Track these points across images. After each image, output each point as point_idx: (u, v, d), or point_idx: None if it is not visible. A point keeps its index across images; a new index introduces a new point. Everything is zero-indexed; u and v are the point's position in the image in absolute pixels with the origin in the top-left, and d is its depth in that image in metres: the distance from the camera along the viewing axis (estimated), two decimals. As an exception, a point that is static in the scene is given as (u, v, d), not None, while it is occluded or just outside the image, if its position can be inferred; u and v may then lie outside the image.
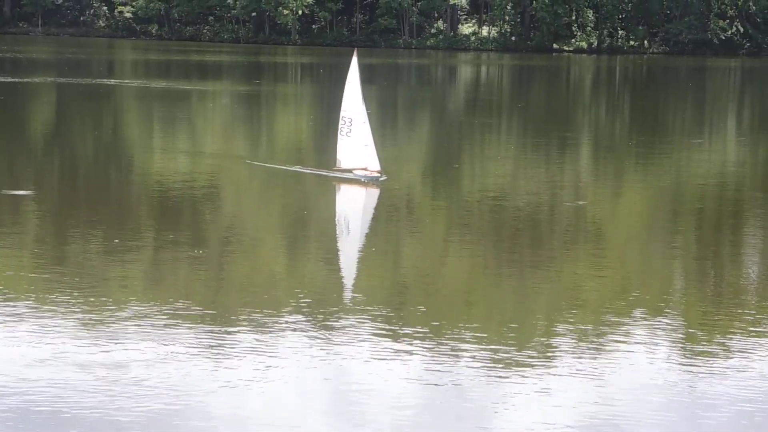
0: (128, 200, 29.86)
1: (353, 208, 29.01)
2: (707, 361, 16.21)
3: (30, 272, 20.51)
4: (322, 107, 62.35)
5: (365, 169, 30.83)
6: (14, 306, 17.95)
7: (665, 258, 23.85)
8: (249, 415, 13.84)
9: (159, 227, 25.52)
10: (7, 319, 17.25)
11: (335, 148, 31.61)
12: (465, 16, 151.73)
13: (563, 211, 29.38)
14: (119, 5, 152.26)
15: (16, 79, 70.04)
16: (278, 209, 28.58)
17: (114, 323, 17.12)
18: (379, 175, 30.75)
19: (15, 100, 58.36)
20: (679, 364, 16.08)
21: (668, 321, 18.23)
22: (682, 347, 16.90)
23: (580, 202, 30.71)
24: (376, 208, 28.60)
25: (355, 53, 32.07)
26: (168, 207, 28.26)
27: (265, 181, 32.79)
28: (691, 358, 16.32)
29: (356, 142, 30.93)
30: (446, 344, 16.58)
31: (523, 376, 15.30)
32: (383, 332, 17.17)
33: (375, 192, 29.98)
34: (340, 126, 31.51)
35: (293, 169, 33.12)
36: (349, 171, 30.98)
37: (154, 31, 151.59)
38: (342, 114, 31.47)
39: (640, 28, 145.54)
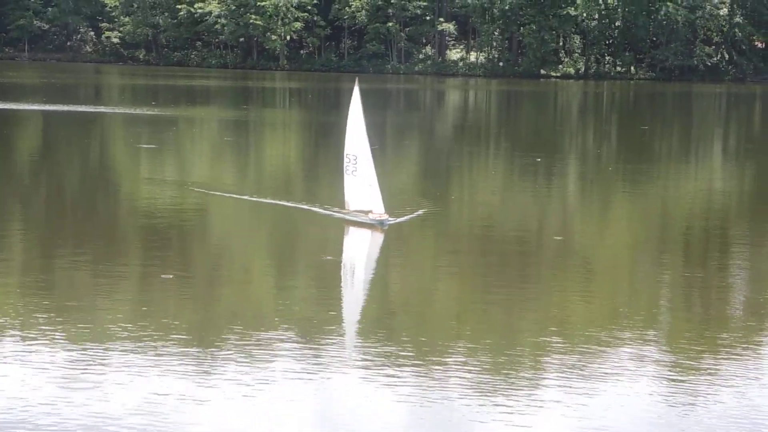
0: (114, 228, 29.77)
1: (342, 237, 28.63)
2: (694, 387, 16.20)
3: (15, 301, 20.40)
4: (311, 134, 62.42)
5: (370, 212, 28.36)
6: None
7: (652, 284, 23.87)
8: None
9: (145, 255, 25.44)
10: (-7, 346, 17.16)
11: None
12: (453, 42, 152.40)
13: (550, 239, 29.40)
14: (106, 30, 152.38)
15: (2, 105, 69.90)
16: (266, 240, 28.49)
17: (99, 348, 17.03)
18: (386, 217, 28.22)
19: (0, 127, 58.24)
20: (666, 390, 16.08)
21: (655, 347, 18.23)
22: (669, 373, 16.88)
23: (563, 234, 30.72)
24: (362, 235, 28.44)
25: (356, 82, 29.48)
26: (154, 235, 28.18)
27: (253, 212, 32.56)
28: (678, 385, 16.31)
29: (362, 182, 28.60)
30: (434, 368, 16.55)
31: (510, 401, 15.26)
32: (371, 355, 17.12)
33: (372, 228, 28.08)
34: (345, 164, 29.04)
35: (293, 205, 31.31)
36: (364, 213, 28.50)
37: (141, 56, 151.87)
38: (346, 151, 28.99)
39: (627, 54, 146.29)
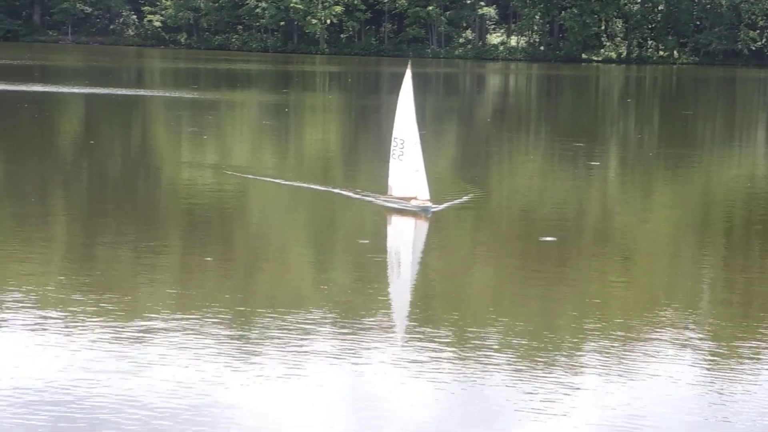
0: (154, 210, 29.97)
1: (382, 223, 28.47)
2: (735, 375, 16.09)
3: (59, 279, 20.61)
4: (350, 118, 62.44)
5: (415, 198, 27.79)
6: (42, 312, 18.05)
7: (693, 270, 23.72)
8: (273, 420, 13.89)
9: (184, 237, 25.61)
10: (36, 325, 17.35)
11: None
12: (493, 26, 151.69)
13: (590, 224, 29.27)
14: (149, 14, 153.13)
15: (45, 88, 70.49)
16: (305, 224, 28.51)
17: (137, 328, 17.18)
18: (430, 205, 27.67)
19: (43, 109, 58.74)
20: (706, 378, 15.98)
21: (694, 334, 18.12)
22: (708, 360, 16.78)
23: (605, 220, 30.56)
24: (403, 221, 28.32)
25: (409, 66, 28.57)
26: (195, 217, 28.33)
27: (292, 197, 32.57)
28: (717, 372, 16.21)
29: (408, 167, 27.91)
30: (471, 353, 16.55)
31: (547, 388, 15.23)
32: (408, 339, 17.16)
33: (414, 215, 27.58)
34: (392, 148, 28.40)
35: (335, 191, 30.97)
36: (406, 200, 27.95)
37: (182, 39, 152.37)
38: (394, 134, 28.36)
39: (670, 38, 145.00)
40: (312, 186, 32.31)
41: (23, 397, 14.30)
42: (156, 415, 13.85)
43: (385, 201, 28.75)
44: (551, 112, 71.75)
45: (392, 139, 28.45)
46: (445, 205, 28.79)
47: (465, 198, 30.53)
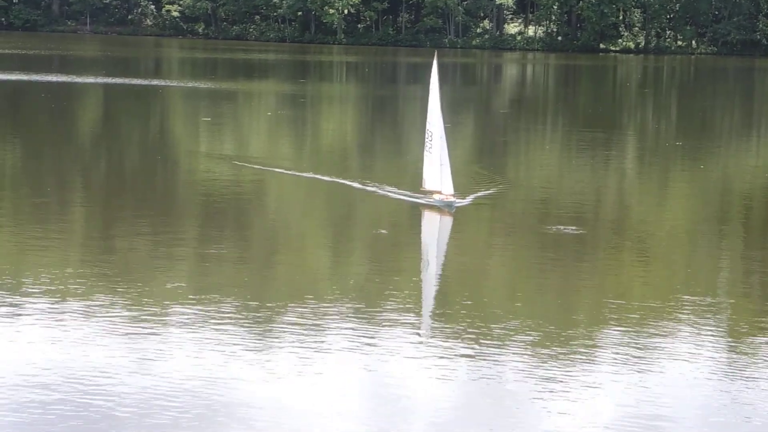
0: (171, 201, 30.05)
1: (398, 213, 28.33)
2: (752, 364, 16.06)
3: (77, 268, 20.70)
4: (367, 108, 62.40)
5: (438, 193, 27.28)
6: (61, 300, 18.15)
7: (711, 260, 23.64)
8: (288, 409, 13.95)
9: (202, 227, 25.68)
10: (55, 313, 17.45)
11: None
12: (511, 16, 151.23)
13: (607, 213, 29.22)
14: (167, 4, 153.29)
15: (63, 78, 70.64)
16: (323, 215, 28.50)
17: (157, 319, 17.26)
18: (453, 200, 27.11)
19: (60, 99, 58.88)
20: (724, 366, 15.95)
21: (713, 323, 18.08)
22: (727, 350, 16.76)
23: (624, 211, 30.49)
24: (421, 212, 28.18)
25: (435, 57, 28.00)
26: (210, 207, 28.39)
27: (311, 188, 32.48)
28: (736, 361, 16.18)
29: (435, 160, 27.42)
30: (489, 344, 16.56)
31: (566, 377, 15.24)
32: (426, 332, 17.19)
33: (439, 210, 27.14)
34: (426, 140, 27.77)
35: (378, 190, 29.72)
36: (429, 194, 27.59)
37: (200, 30, 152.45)
38: (427, 126, 27.67)
39: (688, 28, 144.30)
40: (330, 178, 32.02)
41: (41, 381, 14.40)
42: (172, 405, 13.91)
43: (406, 195, 28.32)
44: (569, 102, 71.54)
45: (426, 130, 27.84)
46: (468, 199, 28.38)
47: (487, 191, 30.21)
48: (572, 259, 23.18)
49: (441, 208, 27.02)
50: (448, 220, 26.83)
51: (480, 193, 29.60)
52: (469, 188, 29.91)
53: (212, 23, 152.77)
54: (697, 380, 15.48)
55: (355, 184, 30.62)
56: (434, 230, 26.69)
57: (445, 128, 27.71)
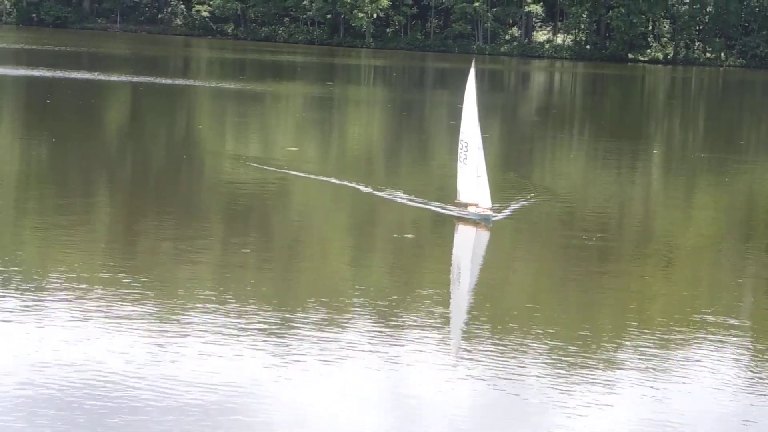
0: (195, 201, 30.19)
1: (422, 220, 28.17)
2: (774, 383, 16.02)
3: (99, 270, 20.82)
4: (394, 112, 62.41)
5: (476, 206, 26.32)
6: (84, 301, 18.25)
7: (735, 275, 23.56)
8: (308, 412, 13.99)
9: (227, 229, 25.78)
10: (78, 314, 17.56)
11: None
12: (540, 24, 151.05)
13: (632, 224, 29.16)
14: (197, 4, 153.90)
15: (91, 76, 70.97)
16: (345, 221, 28.53)
17: (180, 320, 17.35)
18: (491, 213, 26.23)
19: (87, 97, 59.19)
20: (745, 381, 15.89)
21: (735, 338, 18.01)
22: (748, 366, 16.69)
23: (650, 217, 30.40)
24: (445, 220, 27.98)
25: (473, 63, 27.39)
26: (235, 209, 28.50)
27: (334, 193, 32.42)
28: (758, 376, 16.11)
29: (471, 172, 26.46)
30: (509, 352, 16.55)
31: (585, 386, 15.22)
32: (446, 336, 17.21)
33: (475, 223, 26.31)
34: (459, 151, 26.88)
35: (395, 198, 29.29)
36: (464, 206, 26.70)
37: (230, 30, 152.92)
38: (461, 136, 26.76)
39: (717, 40, 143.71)
40: (356, 185, 31.42)
41: (65, 378, 14.50)
42: (191, 404, 13.98)
43: (439, 207, 27.62)
44: (597, 112, 71.36)
45: (459, 140, 26.98)
46: (506, 213, 27.62)
47: (521, 203, 29.39)
48: (594, 270, 23.12)
49: (477, 221, 26.19)
50: (483, 233, 26.03)
51: (515, 205, 28.84)
52: (505, 198, 29.21)
53: (242, 24, 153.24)
54: (718, 394, 15.42)
55: (389, 196, 29.59)
56: (467, 242, 26.31)
57: (483, 138, 26.92)
